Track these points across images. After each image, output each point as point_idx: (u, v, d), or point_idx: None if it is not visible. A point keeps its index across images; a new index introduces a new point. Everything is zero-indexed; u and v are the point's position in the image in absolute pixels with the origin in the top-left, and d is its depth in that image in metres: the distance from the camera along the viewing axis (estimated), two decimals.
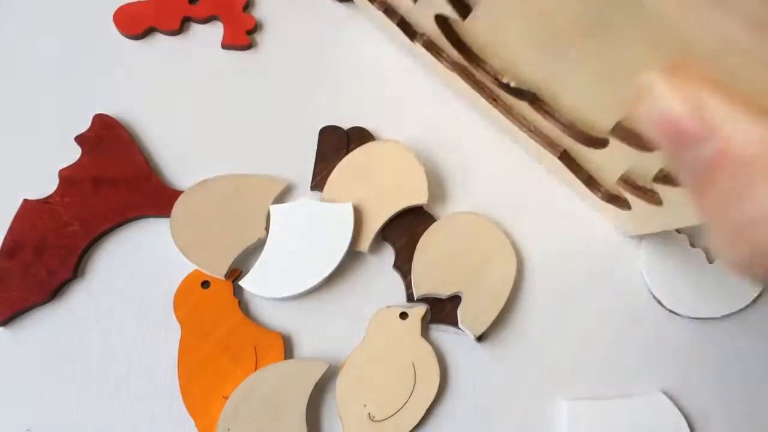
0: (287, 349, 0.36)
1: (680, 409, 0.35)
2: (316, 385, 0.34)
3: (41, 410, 0.35)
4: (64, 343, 0.36)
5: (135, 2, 0.41)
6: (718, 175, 0.17)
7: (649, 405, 0.35)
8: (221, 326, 0.36)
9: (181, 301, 0.36)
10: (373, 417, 0.34)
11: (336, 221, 0.37)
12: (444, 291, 0.36)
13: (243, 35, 0.41)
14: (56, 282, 0.36)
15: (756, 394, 0.36)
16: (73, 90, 0.39)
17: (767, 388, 0.36)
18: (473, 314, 0.36)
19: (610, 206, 0.35)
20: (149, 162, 0.38)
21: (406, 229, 0.37)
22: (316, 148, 0.39)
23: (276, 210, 0.37)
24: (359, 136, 0.39)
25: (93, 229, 0.36)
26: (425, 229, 0.37)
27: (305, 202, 0.37)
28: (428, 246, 0.37)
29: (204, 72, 0.40)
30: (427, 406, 0.35)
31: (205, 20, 0.41)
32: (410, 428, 0.34)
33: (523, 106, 0.34)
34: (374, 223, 0.37)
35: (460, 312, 0.36)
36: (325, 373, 0.34)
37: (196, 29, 0.41)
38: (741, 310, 0.36)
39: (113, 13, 0.40)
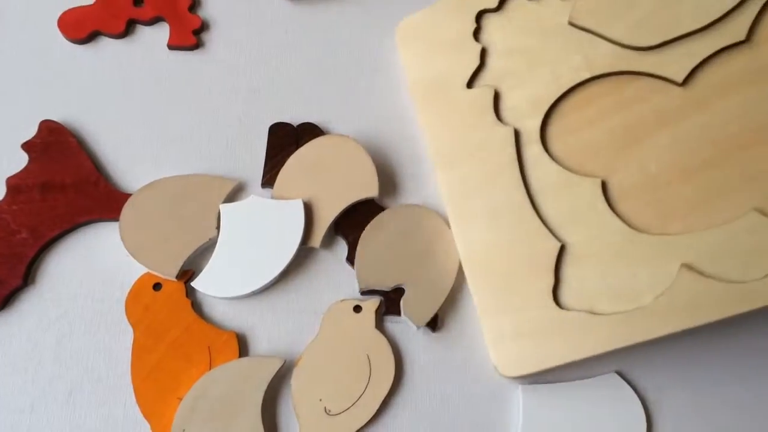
0: (242, 347, 0.36)
1: (633, 388, 0.35)
2: (272, 381, 0.34)
3: None
4: (16, 352, 0.35)
5: (79, 6, 0.40)
6: None
7: (602, 385, 0.35)
8: (174, 328, 0.35)
9: (133, 304, 0.36)
10: (329, 411, 0.34)
11: (286, 218, 0.36)
12: (387, 284, 0.36)
13: (189, 35, 0.41)
14: (6, 290, 0.35)
15: (709, 372, 0.36)
16: (18, 97, 0.40)
17: (721, 368, 0.36)
18: (416, 305, 0.35)
19: None
20: (98, 166, 0.38)
21: (358, 222, 0.37)
22: (266, 145, 0.39)
23: (225, 209, 0.37)
24: (309, 132, 0.39)
25: (42, 236, 0.36)
26: None
27: (255, 200, 0.37)
28: (371, 239, 0.37)
29: (151, 73, 0.40)
30: (382, 397, 0.34)
31: (151, 22, 0.41)
32: (365, 420, 0.34)
33: None
34: (325, 219, 0.37)
35: (403, 303, 0.35)
36: (280, 369, 0.34)
37: (143, 31, 0.41)
38: None
39: (58, 18, 0.40)
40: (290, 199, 0.37)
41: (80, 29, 0.40)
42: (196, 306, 0.36)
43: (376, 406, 0.35)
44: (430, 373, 0.36)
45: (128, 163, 0.39)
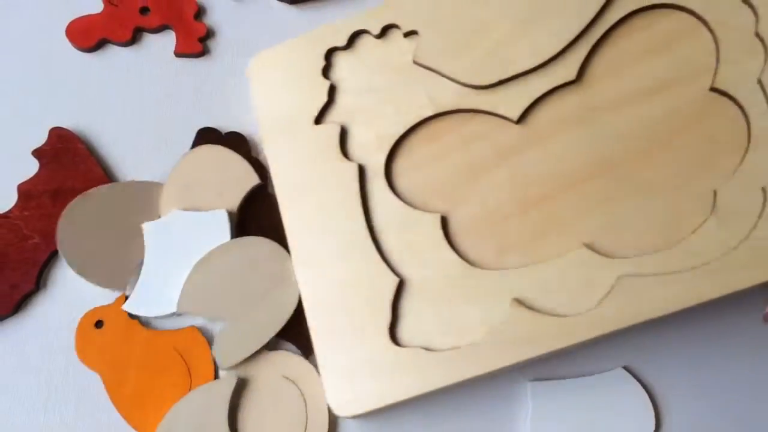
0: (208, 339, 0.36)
1: (642, 384, 0.35)
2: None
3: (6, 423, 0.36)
4: (29, 354, 0.37)
5: (87, 15, 0.42)
6: None
7: (611, 381, 0.35)
8: (134, 351, 0.36)
9: (85, 353, 0.36)
10: None
11: (212, 229, 0.36)
12: (208, 315, 0.35)
13: (195, 42, 0.42)
14: (19, 295, 0.36)
15: (715, 366, 0.36)
16: (28, 105, 0.41)
17: (727, 362, 0.36)
18: (229, 345, 0.35)
19: None
20: (107, 172, 0.39)
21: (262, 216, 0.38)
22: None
23: (148, 228, 0.36)
24: (234, 141, 0.40)
25: (54, 241, 0.37)
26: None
27: (177, 214, 0.37)
28: (210, 263, 0.36)
29: (158, 80, 0.41)
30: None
31: (158, 29, 0.42)
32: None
33: None
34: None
35: (217, 338, 0.35)
36: (236, 385, 0.34)
37: (149, 39, 0.42)
38: None
39: (66, 27, 0.42)
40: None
41: (88, 38, 0.42)
42: (144, 323, 0.37)
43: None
44: None
45: (136, 169, 0.40)
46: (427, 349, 0.32)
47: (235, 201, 0.38)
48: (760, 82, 0.32)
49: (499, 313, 0.32)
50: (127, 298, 0.37)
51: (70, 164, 0.39)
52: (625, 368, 0.35)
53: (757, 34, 0.32)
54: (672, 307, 0.30)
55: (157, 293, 0.36)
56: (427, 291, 0.33)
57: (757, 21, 0.32)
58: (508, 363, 0.31)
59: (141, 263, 0.37)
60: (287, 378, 0.35)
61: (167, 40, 0.43)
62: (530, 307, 0.31)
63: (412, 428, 0.35)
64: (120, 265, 0.37)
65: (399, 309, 0.33)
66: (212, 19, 0.43)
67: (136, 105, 0.41)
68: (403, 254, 0.34)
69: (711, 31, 0.34)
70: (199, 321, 0.37)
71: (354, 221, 0.34)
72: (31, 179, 0.38)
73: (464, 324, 0.32)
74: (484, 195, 0.34)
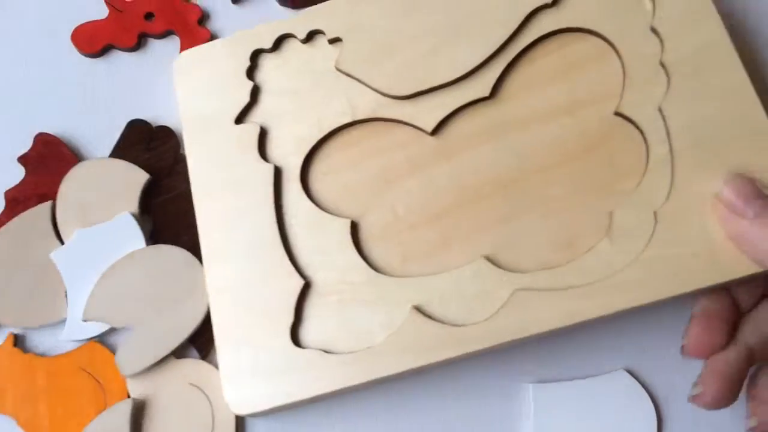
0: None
1: (644, 386, 0.35)
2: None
3: None
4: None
5: (92, 21, 0.42)
6: None
7: (613, 383, 0.35)
8: (37, 383, 0.35)
9: None
10: None
11: (123, 236, 0.37)
12: (115, 322, 0.35)
13: None
14: None
15: None
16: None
17: None
18: (133, 352, 0.35)
19: None
20: None
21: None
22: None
23: (57, 256, 0.37)
24: (163, 135, 0.40)
25: None
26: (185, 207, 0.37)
27: (82, 233, 0.37)
28: (120, 271, 0.36)
29: (162, 85, 0.41)
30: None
31: (162, 35, 0.43)
32: None
33: None
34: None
35: (121, 345, 0.35)
36: (133, 407, 0.34)
37: (153, 44, 0.43)
38: None
39: (71, 32, 0.42)
40: None
41: (94, 43, 0.42)
42: (40, 353, 0.37)
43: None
44: (440, 372, 0.36)
45: None
46: (326, 351, 0.32)
47: (133, 203, 0.38)
48: (660, 110, 0.33)
49: (398, 320, 0.32)
50: (15, 335, 0.37)
51: (56, 169, 0.39)
52: (627, 370, 0.35)
53: (662, 64, 0.34)
54: (560, 323, 0.31)
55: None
56: (331, 294, 0.34)
57: (662, 50, 0.34)
58: (404, 369, 0.32)
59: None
60: (193, 385, 0.35)
61: (171, 46, 0.43)
62: (429, 316, 0.32)
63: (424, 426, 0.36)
64: (37, 301, 0.37)
65: (303, 311, 0.34)
66: (215, 24, 0.44)
67: (137, 110, 0.42)
68: (311, 257, 0.35)
69: (620, 57, 0.35)
70: (102, 330, 0.37)
71: (266, 221, 0.35)
72: (17, 185, 0.39)
73: (365, 328, 0.33)
74: (395, 203, 0.35)
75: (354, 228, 0.35)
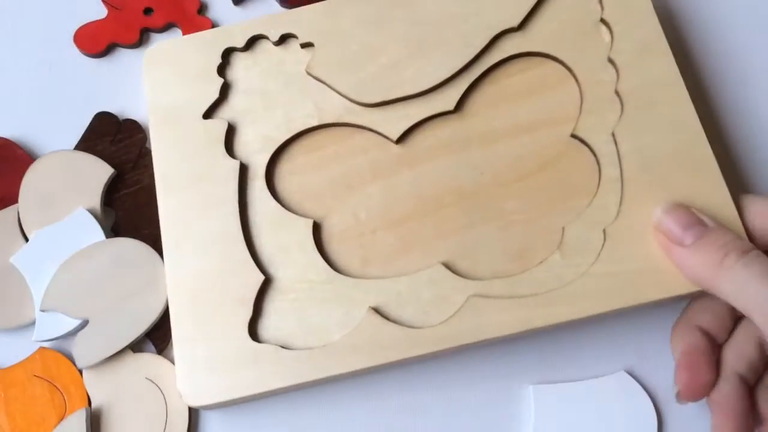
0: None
1: (644, 387, 0.35)
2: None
3: None
4: None
5: (92, 21, 0.42)
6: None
7: (613, 385, 0.35)
8: None
9: None
10: None
11: (82, 232, 0.36)
12: (72, 313, 0.35)
13: None
14: None
15: None
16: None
17: None
18: (89, 345, 0.35)
19: None
20: None
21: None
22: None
23: (17, 260, 0.36)
24: (130, 129, 0.40)
25: None
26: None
27: (39, 233, 0.37)
28: (79, 262, 0.36)
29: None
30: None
31: (164, 29, 0.43)
32: None
33: None
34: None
35: (78, 337, 0.35)
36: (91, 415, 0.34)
37: (156, 39, 0.43)
38: None
39: (74, 34, 0.42)
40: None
41: (97, 43, 0.42)
42: None
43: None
44: (441, 374, 0.37)
45: None
46: (284, 347, 0.33)
47: (96, 197, 0.38)
48: (613, 135, 0.35)
49: (355, 320, 0.33)
50: None
51: (10, 172, 0.39)
52: (628, 371, 0.36)
53: (617, 92, 0.36)
54: (511, 329, 0.32)
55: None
56: (291, 292, 0.34)
57: (618, 80, 0.36)
58: (358, 367, 0.32)
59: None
60: (149, 379, 0.35)
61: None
62: (385, 317, 0.33)
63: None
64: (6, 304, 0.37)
65: (262, 306, 0.34)
66: (215, 13, 0.44)
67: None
68: (272, 254, 0.35)
69: (578, 83, 0.37)
70: (71, 327, 0.36)
71: (229, 216, 0.35)
72: None
73: (322, 327, 0.34)
74: (357, 207, 0.36)
75: (316, 228, 0.36)
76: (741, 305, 0.29)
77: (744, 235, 0.32)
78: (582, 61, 0.37)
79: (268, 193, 0.36)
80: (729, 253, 0.30)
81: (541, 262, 0.34)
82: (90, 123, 0.40)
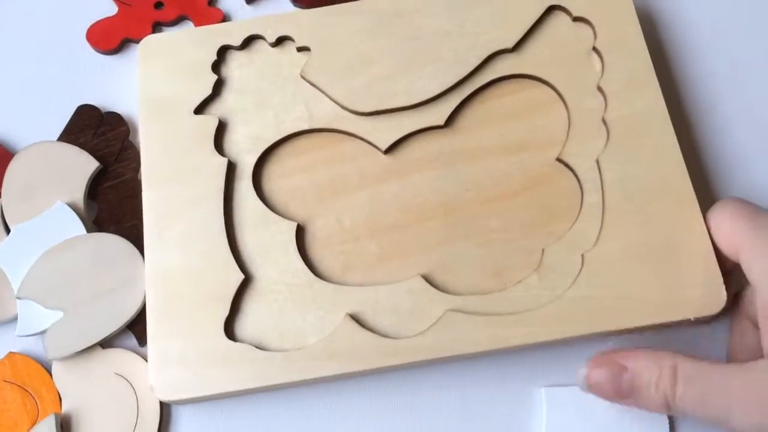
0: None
1: None
2: None
3: None
4: None
5: (103, 19, 0.42)
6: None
7: None
8: None
9: None
10: None
11: (62, 225, 0.36)
12: (47, 303, 0.35)
13: None
14: None
15: None
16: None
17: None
18: (61, 336, 0.35)
19: None
20: None
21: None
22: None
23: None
24: (112, 122, 0.40)
25: None
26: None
27: (18, 230, 0.36)
28: (58, 253, 0.36)
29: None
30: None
31: (175, 22, 0.43)
32: None
33: None
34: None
35: (51, 328, 0.34)
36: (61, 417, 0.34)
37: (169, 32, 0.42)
38: None
39: (86, 32, 0.42)
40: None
41: (110, 40, 0.42)
42: None
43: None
44: (454, 376, 0.36)
45: None
46: (258, 347, 0.33)
47: (80, 190, 0.37)
48: (598, 162, 0.36)
49: (331, 325, 0.33)
50: None
51: None
52: None
53: (604, 120, 0.36)
54: (485, 346, 0.33)
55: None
56: (269, 293, 0.35)
57: (606, 109, 0.37)
58: (330, 373, 0.33)
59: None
60: (119, 374, 0.35)
61: None
62: (361, 324, 0.33)
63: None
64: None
65: (240, 305, 0.34)
66: (225, 4, 0.44)
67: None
68: (254, 254, 0.35)
69: (567, 108, 0.37)
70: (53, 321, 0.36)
71: (213, 213, 0.35)
72: None
73: (298, 330, 0.34)
74: (341, 214, 0.36)
75: (300, 232, 0.36)
76: (709, 417, 0.29)
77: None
78: (572, 88, 0.38)
79: (254, 193, 0.36)
80: (665, 392, 0.29)
81: (519, 281, 0.35)
82: (72, 116, 0.40)
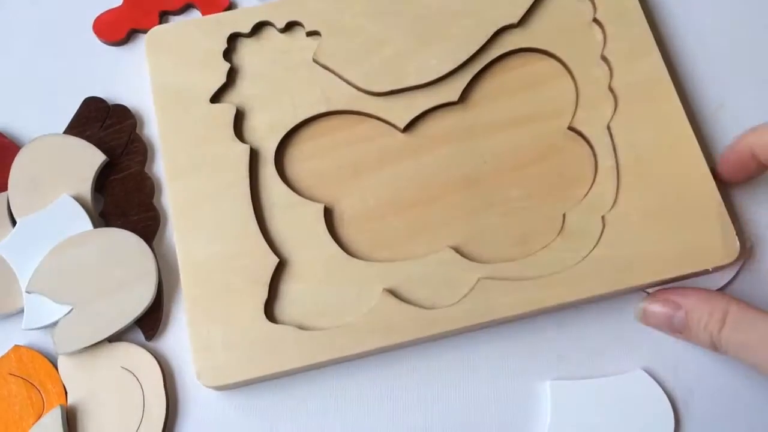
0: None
1: (662, 386, 0.35)
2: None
3: None
4: None
5: (110, 10, 0.42)
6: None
7: (631, 382, 0.35)
8: None
9: None
10: None
11: (68, 219, 0.36)
12: (57, 297, 0.35)
13: None
14: None
15: (736, 369, 0.36)
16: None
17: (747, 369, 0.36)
18: (71, 331, 0.34)
19: None
20: None
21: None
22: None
23: (3, 249, 0.35)
24: (118, 114, 0.39)
25: None
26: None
27: (25, 221, 0.36)
28: (69, 248, 0.35)
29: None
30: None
31: (182, 10, 0.42)
32: None
33: None
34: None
35: (61, 322, 0.34)
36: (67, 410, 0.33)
37: (176, 21, 0.42)
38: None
39: (92, 23, 0.41)
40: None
41: (117, 31, 0.41)
42: None
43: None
44: (458, 370, 0.37)
45: None
46: (300, 327, 0.34)
47: (86, 184, 0.37)
48: (608, 128, 0.37)
49: (369, 301, 0.34)
50: None
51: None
52: (645, 370, 0.36)
53: (611, 88, 0.38)
54: (519, 309, 0.34)
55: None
56: (305, 274, 0.35)
57: (611, 77, 0.38)
58: (375, 346, 0.34)
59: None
60: (125, 368, 0.35)
61: None
62: (398, 297, 0.34)
63: (432, 426, 0.36)
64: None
65: (277, 288, 0.35)
66: None
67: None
68: (285, 237, 0.36)
69: (574, 79, 0.39)
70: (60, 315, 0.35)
71: (241, 200, 0.36)
72: None
73: (336, 308, 0.34)
74: (366, 193, 0.37)
75: (327, 213, 0.36)
76: (748, 362, 0.31)
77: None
78: (577, 58, 0.39)
79: (279, 178, 0.37)
80: (712, 333, 0.31)
81: (544, 246, 0.36)
82: (79, 108, 0.40)
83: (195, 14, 0.43)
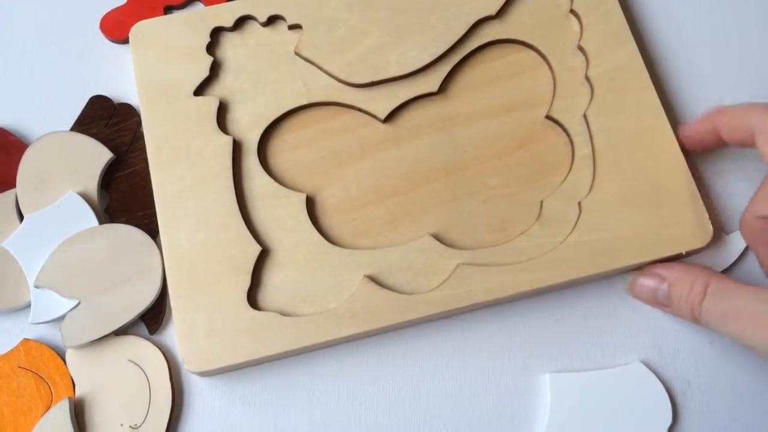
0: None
1: (659, 378, 0.36)
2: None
3: None
4: None
5: (115, 8, 0.42)
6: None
7: (630, 375, 0.36)
8: None
9: None
10: (135, 426, 0.34)
11: (74, 215, 0.36)
12: (64, 292, 0.35)
13: None
14: None
15: (734, 360, 0.37)
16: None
17: (746, 356, 0.36)
18: (78, 325, 0.35)
19: None
20: None
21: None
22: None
23: (9, 245, 0.36)
24: (124, 113, 0.40)
25: None
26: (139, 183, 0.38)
27: (31, 218, 0.37)
28: (77, 243, 0.36)
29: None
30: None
31: (185, 4, 0.43)
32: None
33: None
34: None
35: (68, 317, 0.35)
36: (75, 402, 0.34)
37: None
38: None
39: (99, 22, 0.42)
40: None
41: (123, 29, 0.41)
42: None
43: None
44: (458, 363, 0.37)
45: None
46: (283, 314, 0.34)
47: (93, 181, 0.38)
48: (585, 116, 0.38)
49: (349, 288, 0.35)
50: None
51: (6, 158, 0.38)
52: (644, 362, 0.36)
53: (587, 77, 0.39)
54: (498, 294, 0.35)
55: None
56: (288, 262, 0.36)
57: (587, 67, 0.39)
58: (356, 331, 0.34)
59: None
60: (132, 361, 0.36)
61: None
62: (378, 284, 0.35)
63: (433, 419, 0.36)
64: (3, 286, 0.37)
65: (260, 276, 0.35)
66: None
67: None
68: (268, 227, 0.36)
69: (551, 69, 0.40)
70: (66, 309, 0.36)
71: (224, 191, 0.36)
72: None
73: (318, 295, 0.35)
74: (347, 183, 0.38)
75: (309, 202, 0.37)
76: (725, 332, 0.31)
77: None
78: (554, 49, 0.40)
79: (261, 169, 0.37)
80: (693, 305, 0.32)
81: (522, 233, 0.37)
82: (85, 106, 0.40)
83: (199, 6, 0.44)
